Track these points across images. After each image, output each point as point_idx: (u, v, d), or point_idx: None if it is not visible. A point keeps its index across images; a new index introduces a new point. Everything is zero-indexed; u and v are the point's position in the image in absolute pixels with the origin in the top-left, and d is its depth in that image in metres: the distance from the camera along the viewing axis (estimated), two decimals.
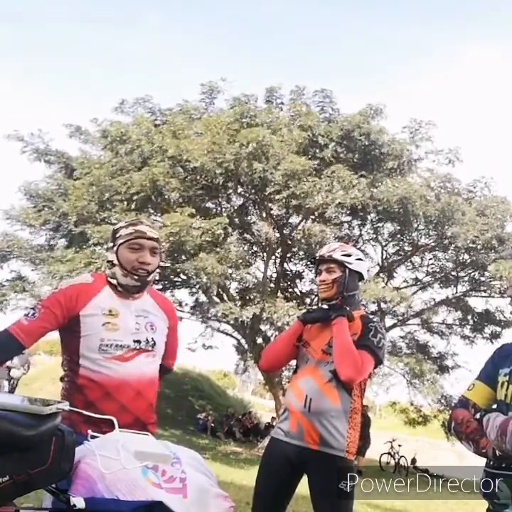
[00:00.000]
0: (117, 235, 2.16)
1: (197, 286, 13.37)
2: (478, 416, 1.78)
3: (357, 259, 2.58)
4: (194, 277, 12.12)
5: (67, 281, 2.18)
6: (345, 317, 2.44)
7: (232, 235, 12.83)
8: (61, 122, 15.22)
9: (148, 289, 2.24)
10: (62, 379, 2.13)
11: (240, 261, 12.46)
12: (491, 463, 1.71)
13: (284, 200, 12.17)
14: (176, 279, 14.84)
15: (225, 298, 13.49)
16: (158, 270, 2.26)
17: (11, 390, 10.21)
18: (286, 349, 2.60)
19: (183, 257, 12.23)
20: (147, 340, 2.12)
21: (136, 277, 2.11)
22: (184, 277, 14.38)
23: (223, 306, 12.15)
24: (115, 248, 2.14)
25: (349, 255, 2.56)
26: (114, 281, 2.14)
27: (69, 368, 2.09)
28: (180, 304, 15.97)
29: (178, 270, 12.92)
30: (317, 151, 13.19)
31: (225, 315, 12.04)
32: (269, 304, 11.87)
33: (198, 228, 11.49)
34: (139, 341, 2.09)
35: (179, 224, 11.25)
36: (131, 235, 2.13)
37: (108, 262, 2.19)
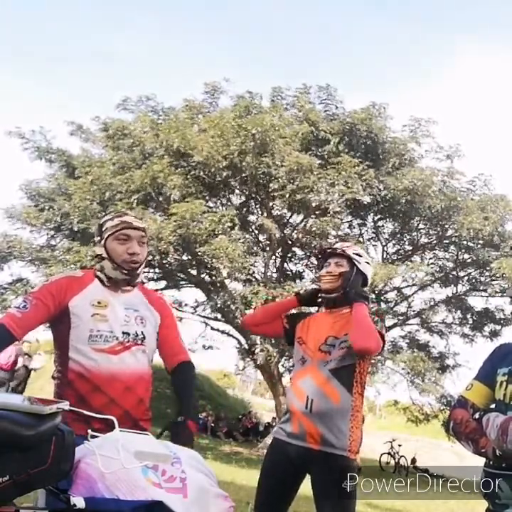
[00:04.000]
0: (104, 228, 2.16)
1: (209, 281, 13.33)
2: (477, 416, 1.78)
3: (365, 262, 2.62)
4: (209, 262, 12.03)
5: (56, 275, 2.20)
6: (366, 304, 2.46)
7: (235, 233, 12.84)
8: (62, 120, 15.17)
9: (138, 284, 2.25)
10: (53, 377, 2.12)
11: (246, 254, 12.48)
12: (491, 463, 1.71)
13: (287, 196, 12.18)
14: (179, 277, 14.83)
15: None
16: (151, 269, 2.27)
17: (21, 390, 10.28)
18: (272, 316, 2.71)
19: (191, 252, 12.23)
20: (136, 333, 2.10)
21: (125, 271, 2.12)
22: (188, 275, 14.35)
23: (248, 289, 12.06)
24: (102, 241, 2.14)
25: (360, 255, 2.59)
26: (102, 275, 2.13)
27: (59, 363, 2.08)
28: (180, 304, 15.96)
29: (187, 263, 12.91)
30: (319, 148, 13.22)
31: (247, 297, 11.93)
32: (281, 290, 11.91)
33: (207, 219, 11.49)
34: (128, 333, 2.08)
35: (190, 212, 11.24)
36: (118, 226, 2.13)
37: (96, 256, 2.18)
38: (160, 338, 2.22)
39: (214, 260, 11.55)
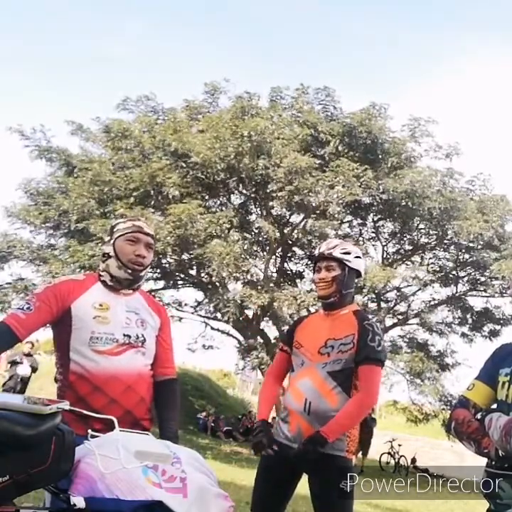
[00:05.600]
0: (115, 229, 2.22)
1: (206, 281, 13.34)
2: (479, 416, 1.77)
3: (356, 257, 2.57)
4: (205, 266, 12.09)
5: (59, 278, 2.23)
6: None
7: (232, 235, 12.84)
8: (62, 120, 15.19)
9: (139, 289, 2.27)
10: (56, 379, 2.14)
11: (243, 256, 12.49)
12: (493, 463, 1.70)
13: (286, 197, 12.16)
14: (178, 277, 14.83)
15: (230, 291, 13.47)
16: (150, 269, 2.29)
17: (20, 390, 10.18)
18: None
19: (188, 253, 12.23)
20: (137, 336, 2.12)
21: (129, 271, 2.15)
22: (187, 275, 14.37)
23: (243, 291, 12.09)
24: (112, 241, 2.19)
25: (349, 253, 2.54)
26: (105, 274, 2.16)
27: (61, 365, 2.09)
28: (180, 304, 15.97)
29: (185, 264, 12.92)
30: (319, 149, 13.21)
31: (242, 301, 11.98)
32: (279, 294, 11.92)
33: (204, 220, 11.49)
34: (128, 336, 2.09)
35: (186, 214, 11.25)
36: (129, 229, 2.19)
37: (103, 255, 2.22)
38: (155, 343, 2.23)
39: (208, 264, 11.56)
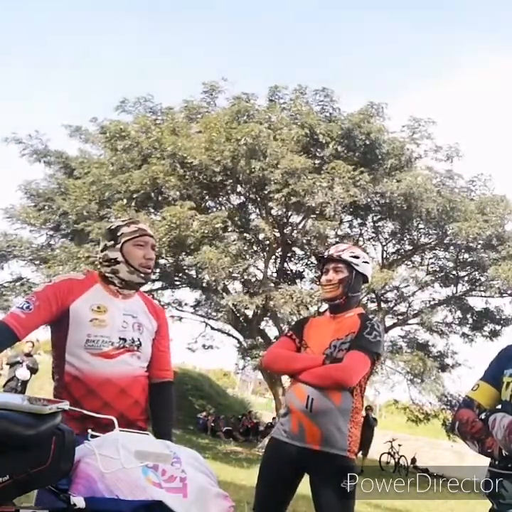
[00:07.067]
0: (119, 233, 2.18)
1: (202, 282, 13.35)
2: (483, 416, 1.78)
3: (364, 262, 2.60)
4: (200, 271, 12.14)
5: (59, 276, 2.21)
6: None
7: (230, 235, 12.81)
8: (60, 122, 15.24)
9: (139, 290, 2.27)
10: (53, 377, 2.14)
11: (241, 256, 12.48)
12: (497, 463, 1.71)
13: (283, 199, 12.15)
14: (176, 277, 14.83)
15: (229, 292, 13.47)
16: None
17: (20, 392, 10.09)
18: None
19: (184, 254, 12.25)
20: (133, 339, 2.11)
21: (142, 275, 2.17)
22: (185, 275, 14.37)
23: (233, 297, 12.10)
24: (118, 245, 2.16)
25: (357, 257, 2.58)
26: (114, 278, 2.15)
27: (56, 365, 2.10)
28: (180, 304, 15.96)
29: (182, 265, 12.94)
30: (317, 150, 13.18)
31: (235, 306, 12.01)
32: (275, 293, 11.94)
33: (198, 220, 11.50)
34: (124, 339, 2.09)
35: (179, 216, 11.26)
36: (136, 233, 2.18)
37: (109, 260, 2.16)
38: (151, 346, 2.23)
39: (203, 266, 11.57)
